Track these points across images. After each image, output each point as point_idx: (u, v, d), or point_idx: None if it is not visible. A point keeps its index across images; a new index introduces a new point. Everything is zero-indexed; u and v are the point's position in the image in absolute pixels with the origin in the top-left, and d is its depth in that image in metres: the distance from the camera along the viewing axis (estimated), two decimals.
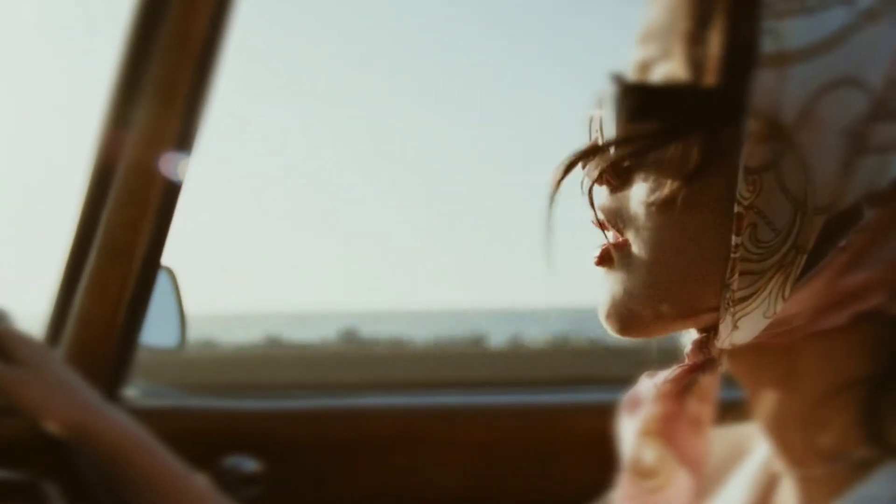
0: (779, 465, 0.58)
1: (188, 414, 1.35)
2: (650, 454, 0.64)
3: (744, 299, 0.51)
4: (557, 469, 1.31)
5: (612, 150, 0.54)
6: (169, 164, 1.18)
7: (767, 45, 0.48)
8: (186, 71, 1.15)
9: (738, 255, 0.50)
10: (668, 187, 0.51)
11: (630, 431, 0.66)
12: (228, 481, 1.22)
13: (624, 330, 0.56)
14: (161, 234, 1.22)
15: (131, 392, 1.35)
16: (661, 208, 0.52)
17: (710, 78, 0.50)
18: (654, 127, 0.52)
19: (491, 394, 1.42)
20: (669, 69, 0.52)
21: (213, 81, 1.19)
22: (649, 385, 0.67)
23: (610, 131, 0.54)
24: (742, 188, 0.49)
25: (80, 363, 1.15)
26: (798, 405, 0.55)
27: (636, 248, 0.54)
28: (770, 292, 0.50)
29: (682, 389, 0.63)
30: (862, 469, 0.51)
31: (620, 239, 0.55)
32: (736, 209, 0.49)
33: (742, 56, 0.49)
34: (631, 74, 0.56)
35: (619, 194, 0.55)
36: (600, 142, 0.55)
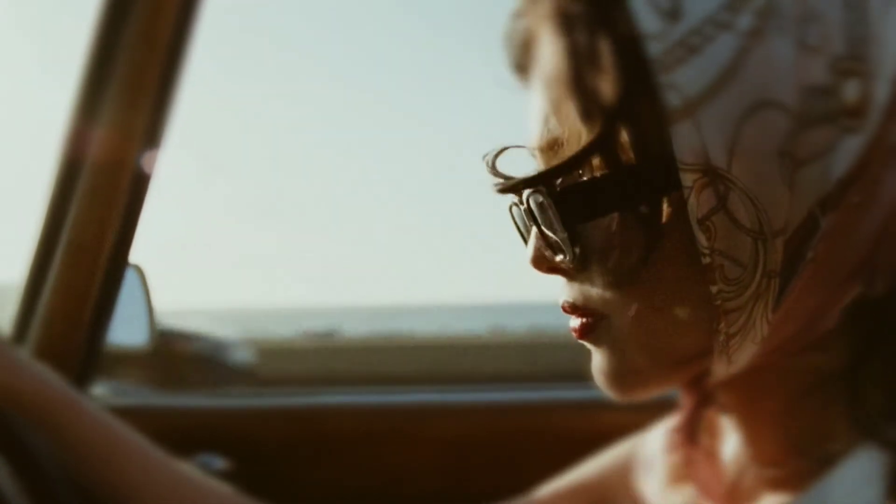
0: (747, 461, 0.59)
1: (156, 412, 1.34)
2: (679, 499, 0.64)
3: (734, 335, 0.51)
4: (532, 466, 1.31)
5: (562, 249, 0.54)
6: (137, 160, 1.17)
7: (672, 100, 0.47)
8: (154, 66, 1.14)
9: (719, 301, 0.50)
10: (626, 267, 0.52)
11: (652, 488, 0.67)
12: None
13: (624, 396, 0.56)
14: (129, 231, 1.21)
15: (99, 391, 1.34)
16: (627, 284, 0.52)
17: (628, 157, 0.50)
18: (597, 220, 0.52)
19: (459, 390, 1.42)
20: (586, 160, 0.51)
21: (182, 75, 1.18)
22: (656, 439, 0.68)
23: (553, 232, 0.54)
24: (701, 239, 0.49)
25: (47, 361, 1.13)
26: (774, 404, 0.56)
27: (615, 322, 0.54)
28: (755, 321, 0.51)
29: (692, 432, 0.64)
30: (830, 463, 0.52)
31: (594, 317, 0.55)
32: (704, 261, 0.49)
33: (651, 124, 0.48)
34: (541, 153, 0.55)
35: (581, 278, 0.55)
36: (543, 238, 0.55)
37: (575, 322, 0.56)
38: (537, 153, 0.56)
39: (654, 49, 0.48)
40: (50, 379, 0.80)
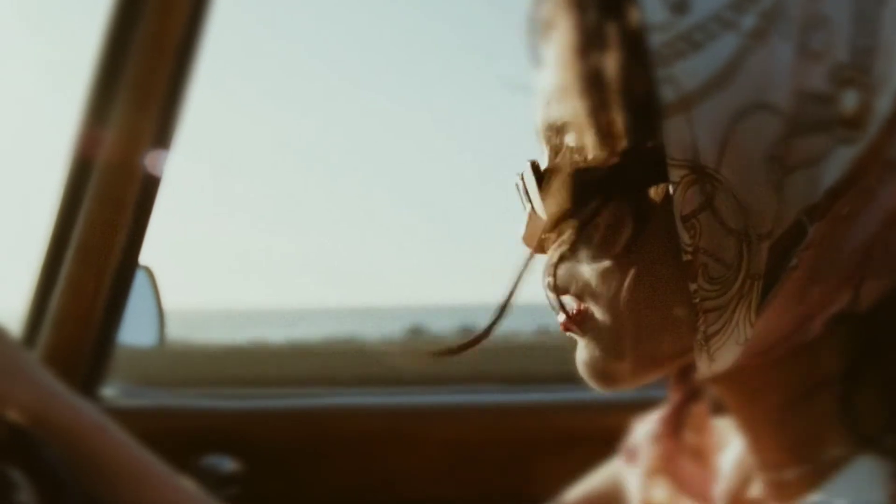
0: (752, 465, 0.59)
1: (166, 413, 1.35)
2: (660, 493, 0.64)
3: (714, 334, 0.51)
4: (536, 467, 1.31)
5: (549, 234, 0.55)
6: (147, 162, 1.18)
7: (668, 94, 0.47)
8: (164, 68, 1.15)
9: (698, 298, 0.50)
10: (611, 254, 0.52)
11: (634, 478, 0.67)
12: (207, 481, 1.22)
13: (607, 387, 0.56)
14: (138, 232, 1.21)
15: (109, 391, 1.34)
16: (611, 273, 0.52)
17: (622, 143, 0.50)
18: (580, 207, 0.52)
19: (469, 392, 1.42)
20: (579, 139, 0.52)
21: (191, 78, 1.19)
22: (643, 430, 0.68)
23: (541, 211, 0.55)
24: (684, 236, 0.49)
25: (57, 363, 1.14)
26: (771, 408, 0.56)
27: (598, 313, 0.54)
28: (737, 322, 0.50)
29: (675, 426, 0.64)
30: (831, 469, 0.51)
31: (580, 306, 0.55)
32: (685, 258, 0.49)
33: (647, 113, 0.48)
34: (544, 138, 0.56)
35: (568, 264, 0.55)
36: (535, 217, 0.56)
37: (561, 316, 0.56)
38: (541, 136, 0.56)
39: (656, 40, 0.48)
40: (81, 405, 0.81)
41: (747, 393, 0.56)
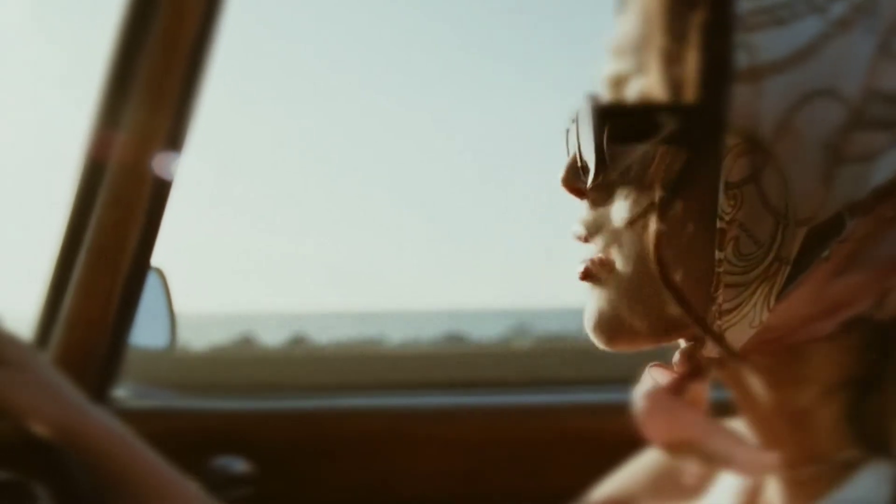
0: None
1: (177, 415, 1.35)
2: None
3: (729, 311, 0.51)
4: (546, 469, 1.31)
5: (590, 169, 0.54)
6: (158, 164, 1.18)
7: (742, 60, 0.48)
8: (176, 70, 1.15)
9: (722, 269, 0.50)
10: (648, 205, 0.52)
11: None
12: (217, 482, 1.22)
13: (611, 343, 0.56)
14: (150, 234, 1.22)
15: (120, 393, 1.35)
16: (643, 225, 0.52)
17: (688, 95, 0.50)
18: (632, 147, 0.52)
19: (478, 394, 1.42)
20: (645, 85, 0.52)
21: (203, 81, 1.19)
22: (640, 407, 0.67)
23: (587, 149, 0.54)
24: (723, 203, 0.49)
25: (69, 364, 1.15)
26: (785, 407, 0.55)
27: (619, 265, 0.54)
28: (755, 304, 0.50)
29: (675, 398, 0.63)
30: (846, 470, 0.51)
31: (603, 255, 0.55)
32: (718, 225, 0.49)
33: (718, 73, 0.49)
34: (605, 88, 0.56)
35: (601, 209, 0.55)
36: (578, 159, 0.56)
37: (581, 266, 0.56)
38: (605, 83, 0.56)
39: (744, 7, 0.48)
40: (92, 410, 0.82)
41: (762, 385, 0.56)
